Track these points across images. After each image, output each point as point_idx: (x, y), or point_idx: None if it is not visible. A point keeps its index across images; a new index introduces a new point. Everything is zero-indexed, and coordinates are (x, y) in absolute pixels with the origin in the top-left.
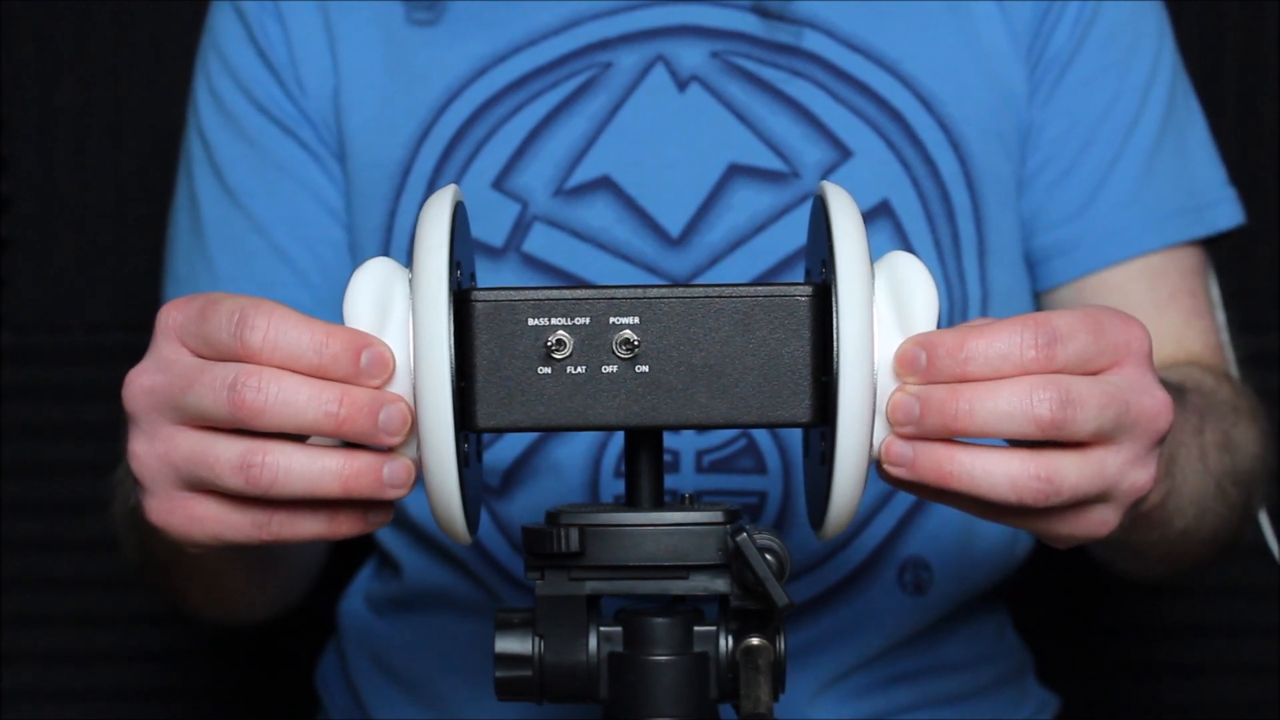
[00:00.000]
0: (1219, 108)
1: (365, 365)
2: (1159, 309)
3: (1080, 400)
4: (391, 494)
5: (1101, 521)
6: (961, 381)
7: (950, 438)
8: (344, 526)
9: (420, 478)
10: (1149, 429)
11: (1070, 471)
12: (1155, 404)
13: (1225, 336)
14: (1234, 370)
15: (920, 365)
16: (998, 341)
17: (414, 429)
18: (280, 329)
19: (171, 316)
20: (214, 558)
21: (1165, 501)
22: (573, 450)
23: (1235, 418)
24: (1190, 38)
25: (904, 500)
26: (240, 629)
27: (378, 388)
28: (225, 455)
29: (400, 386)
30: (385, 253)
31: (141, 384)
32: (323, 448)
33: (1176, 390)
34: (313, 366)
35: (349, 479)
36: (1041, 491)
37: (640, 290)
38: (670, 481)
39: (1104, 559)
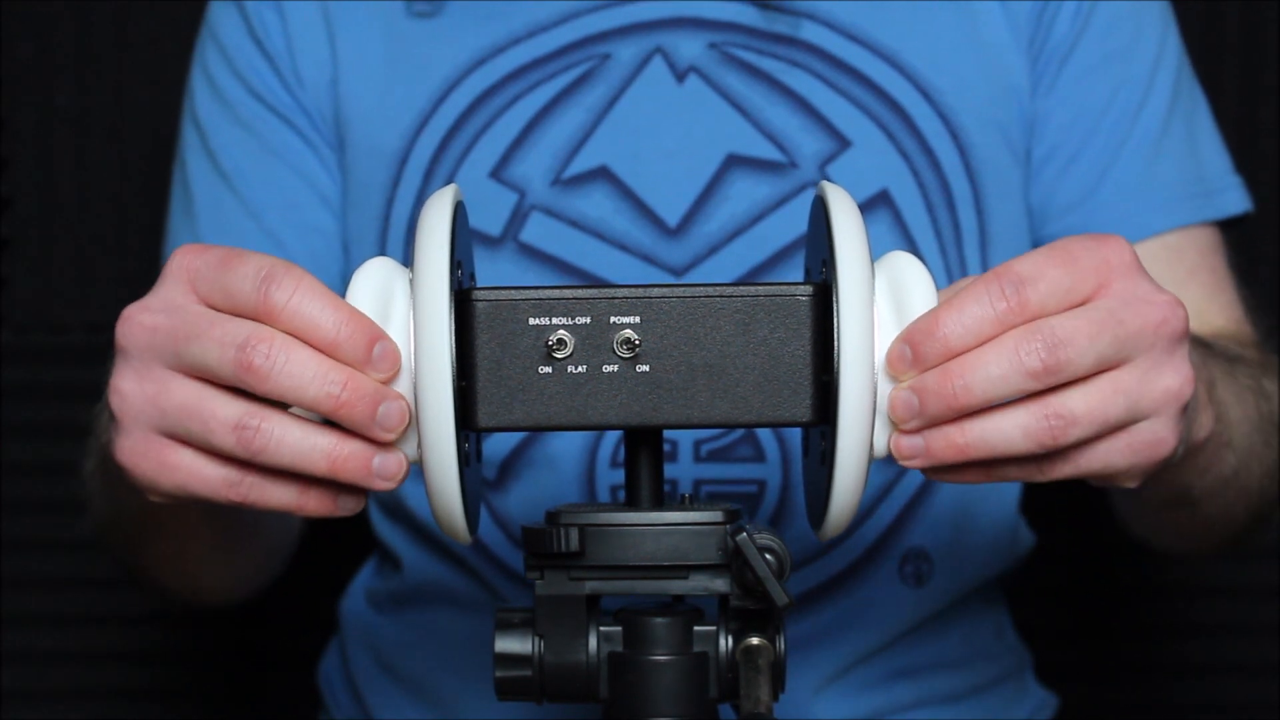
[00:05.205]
0: (1219, 107)
1: (377, 356)
2: (1178, 287)
3: (1067, 339)
4: (379, 485)
5: (1156, 440)
6: (947, 356)
7: (958, 417)
8: (312, 503)
9: (409, 475)
10: (1158, 333)
11: (1077, 401)
12: (1155, 309)
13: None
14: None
15: (907, 358)
16: (968, 306)
17: (414, 427)
18: (307, 296)
19: (187, 260)
20: (176, 516)
21: (1216, 431)
22: (568, 442)
23: (1264, 371)
24: (1190, 37)
25: (904, 491)
26: (203, 610)
27: (383, 382)
28: (222, 413)
29: (401, 386)
30: (382, 242)
31: (142, 321)
32: (319, 425)
33: (1201, 342)
34: (327, 341)
35: (338, 461)
36: (1056, 429)
37: (641, 290)
38: (668, 471)
39: (1153, 527)
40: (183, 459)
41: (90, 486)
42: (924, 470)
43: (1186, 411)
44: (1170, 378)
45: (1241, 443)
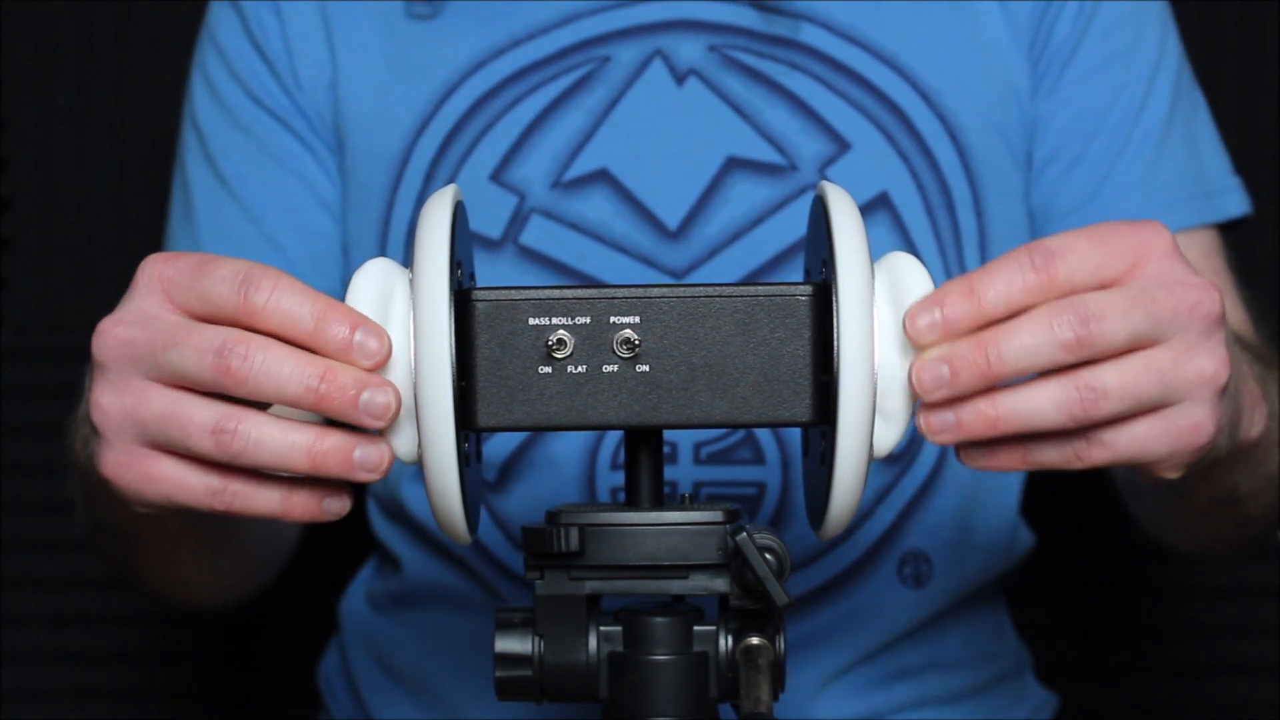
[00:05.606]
0: (1219, 107)
1: (358, 342)
2: None
3: (1100, 313)
4: (362, 476)
5: (1193, 425)
6: (980, 320)
7: (988, 389)
8: (296, 509)
9: (393, 464)
10: (1193, 314)
11: (1110, 374)
12: (1191, 291)
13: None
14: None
15: (936, 320)
16: (1000, 271)
17: (413, 426)
18: (285, 293)
19: (159, 269)
20: (162, 525)
21: (1270, 428)
22: (568, 444)
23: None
24: (1190, 38)
25: (904, 493)
26: (200, 613)
27: (369, 370)
28: (199, 418)
29: (401, 385)
30: (383, 245)
31: (117, 335)
32: (297, 422)
33: (1239, 339)
34: (307, 335)
35: (318, 455)
36: (1087, 400)
37: (641, 290)
38: (668, 473)
39: (1188, 528)
40: (165, 469)
41: (74, 498)
42: (957, 450)
43: (1224, 398)
44: (1205, 360)
45: None
